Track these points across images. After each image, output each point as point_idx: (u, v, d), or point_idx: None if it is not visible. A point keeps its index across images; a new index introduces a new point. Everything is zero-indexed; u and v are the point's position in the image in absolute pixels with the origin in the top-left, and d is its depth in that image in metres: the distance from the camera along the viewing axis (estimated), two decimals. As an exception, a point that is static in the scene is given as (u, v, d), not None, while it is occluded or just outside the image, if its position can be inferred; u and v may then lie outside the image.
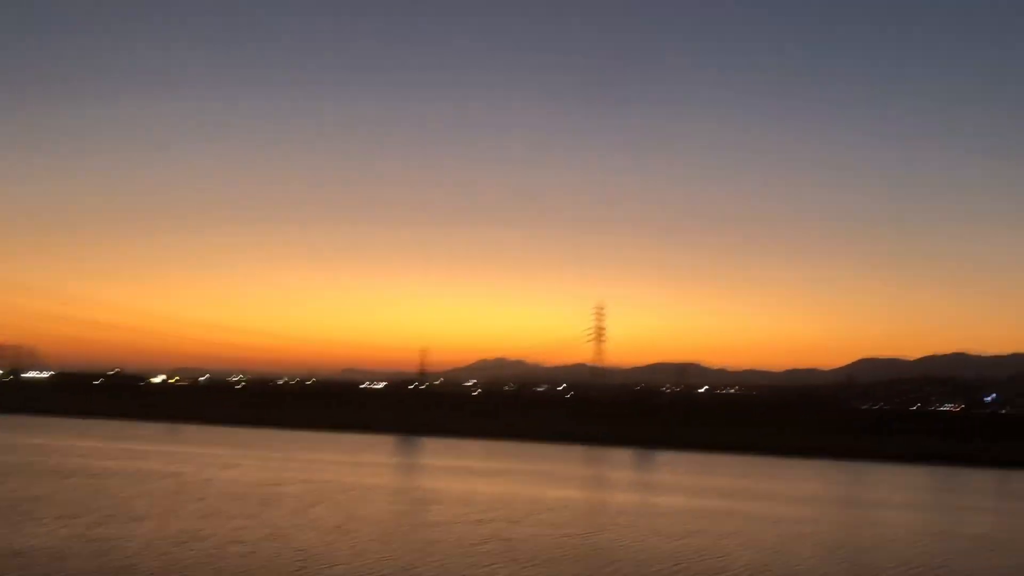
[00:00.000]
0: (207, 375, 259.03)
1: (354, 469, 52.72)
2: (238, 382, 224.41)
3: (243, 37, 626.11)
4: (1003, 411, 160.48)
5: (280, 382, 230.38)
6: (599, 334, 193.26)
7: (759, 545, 28.43)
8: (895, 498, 49.82)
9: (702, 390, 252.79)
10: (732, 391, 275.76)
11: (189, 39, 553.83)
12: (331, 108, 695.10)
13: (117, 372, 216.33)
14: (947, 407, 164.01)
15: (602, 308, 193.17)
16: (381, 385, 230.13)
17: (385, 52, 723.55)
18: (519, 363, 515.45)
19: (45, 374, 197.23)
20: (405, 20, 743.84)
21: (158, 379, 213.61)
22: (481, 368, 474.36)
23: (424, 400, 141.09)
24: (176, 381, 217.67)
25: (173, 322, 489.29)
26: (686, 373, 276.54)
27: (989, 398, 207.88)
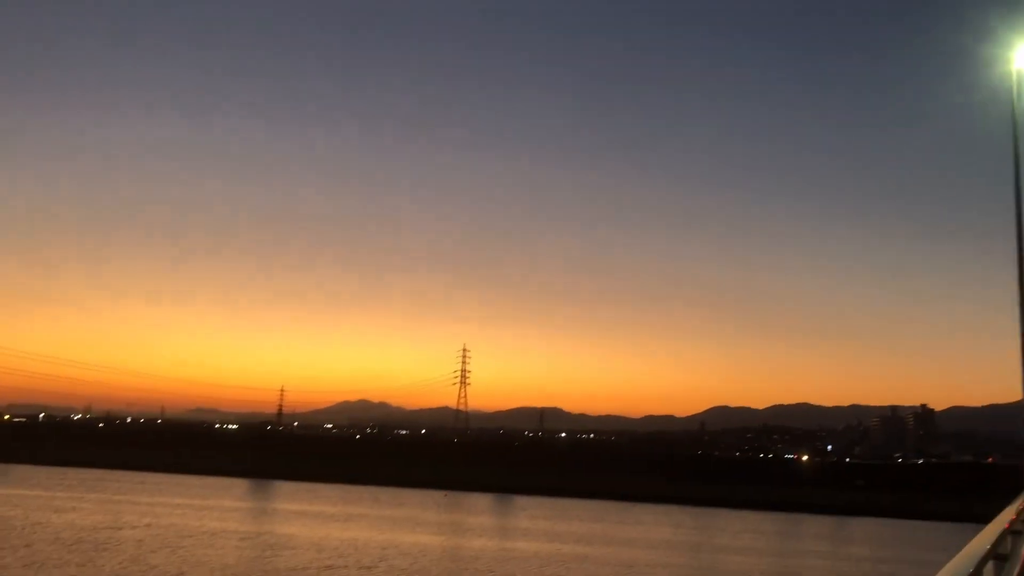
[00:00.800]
0: (43, 412, 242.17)
1: (201, 513, 50.57)
2: (81, 420, 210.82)
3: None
4: (847, 460, 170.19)
5: (127, 420, 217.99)
6: (463, 377, 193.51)
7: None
8: (741, 543, 51.81)
9: (562, 435, 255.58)
10: (591, 436, 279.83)
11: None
12: (184, 139, 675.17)
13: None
14: (790, 456, 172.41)
15: (467, 351, 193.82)
16: (234, 427, 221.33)
17: (214, 83, 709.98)
18: (382, 405, 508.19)
19: None
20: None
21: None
22: (342, 410, 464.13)
23: (280, 443, 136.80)
24: (8, 419, 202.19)
25: (5, 353, 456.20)
26: (547, 418, 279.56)
27: (829, 447, 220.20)
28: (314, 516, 53.15)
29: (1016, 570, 6.81)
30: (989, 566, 6.38)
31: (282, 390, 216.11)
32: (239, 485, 78.68)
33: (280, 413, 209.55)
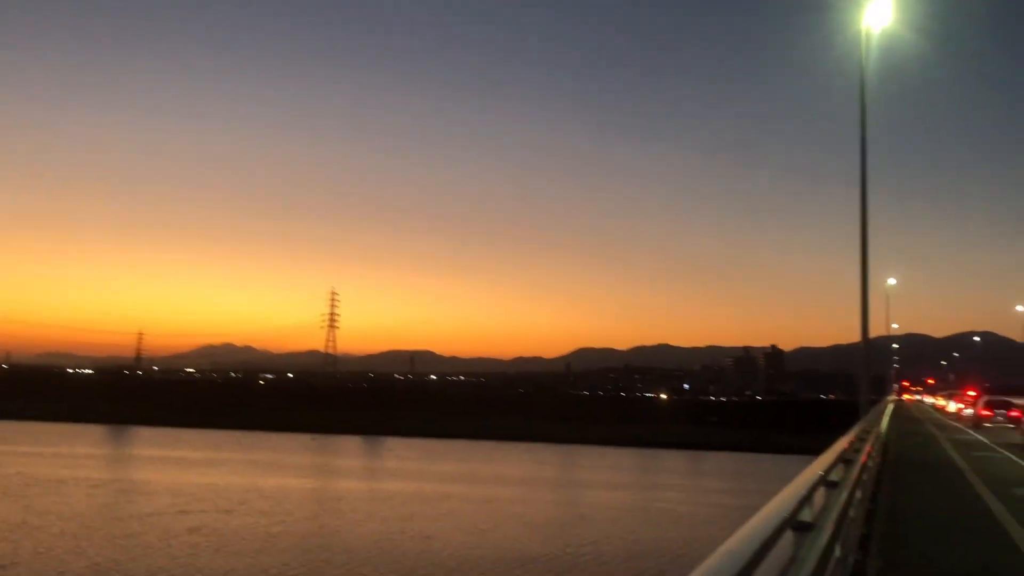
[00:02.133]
0: None
1: (50, 461, 48.10)
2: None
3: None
4: (702, 397, 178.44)
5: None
6: (332, 321, 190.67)
7: (470, 526, 29.61)
8: (600, 478, 53.65)
9: (432, 378, 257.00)
10: (461, 379, 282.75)
11: None
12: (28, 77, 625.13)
13: None
14: (650, 394, 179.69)
15: (336, 294, 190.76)
16: (89, 371, 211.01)
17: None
18: (247, 349, 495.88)
19: None
20: None
21: None
22: (205, 354, 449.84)
23: (138, 387, 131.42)
24: None
25: None
26: (418, 361, 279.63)
27: (686, 386, 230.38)
28: (173, 462, 51.50)
29: (845, 495, 7.16)
30: (820, 491, 6.65)
31: (140, 334, 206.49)
32: (93, 432, 75.25)
33: (139, 357, 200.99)
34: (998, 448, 28.63)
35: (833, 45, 27.28)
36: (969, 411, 50.10)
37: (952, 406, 69.29)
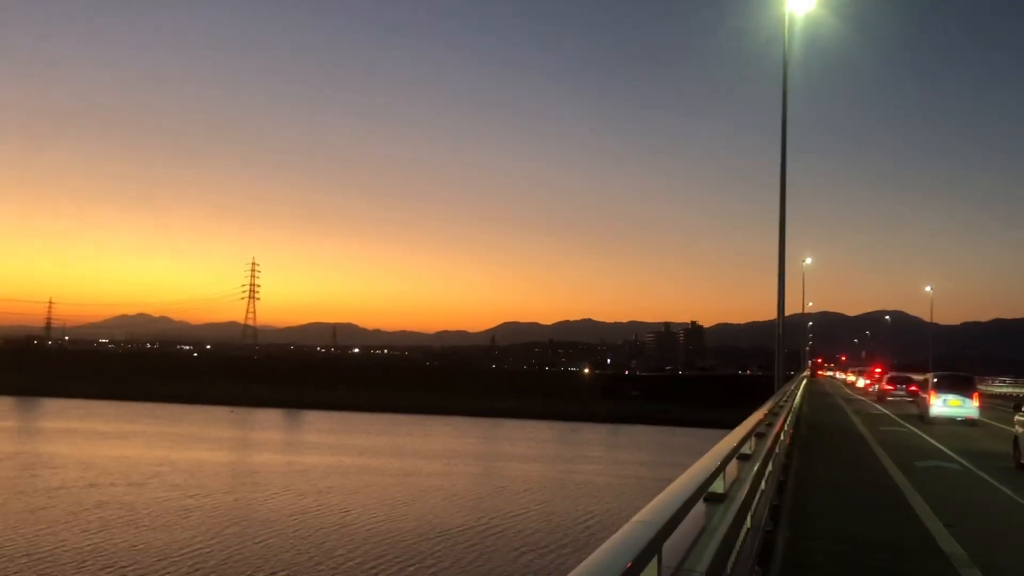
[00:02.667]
0: None
1: (-51, 434, 46.10)
2: None
3: None
4: (624, 372, 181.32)
5: None
6: (252, 292, 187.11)
7: (388, 499, 29.49)
8: (521, 451, 54.03)
9: (355, 351, 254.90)
10: (385, 352, 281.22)
11: None
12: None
13: None
14: (573, 368, 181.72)
15: (256, 265, 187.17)
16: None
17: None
18: (163, 320, 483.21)
19: None
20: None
21: None
22: (119, 324, 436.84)
23: (48, 357, 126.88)
24: None
25: None
26: (340, 334, 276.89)
27: (609, 360, 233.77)
28: (83, 434, 49.89)
29: (756, 467, 7.27)
30: (733, 463, 6.73)
31: (50, 302, 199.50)
32: (-2, 403, 72.39)
33: (48, 327, 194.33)
34: (899, 420, 31.44)
35: (757, 28, 27.67)
36: (875, 386, 54.35)
37: (861, 382, 73.39)
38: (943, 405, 30.82)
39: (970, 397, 31.12)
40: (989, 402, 36.26)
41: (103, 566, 19.29)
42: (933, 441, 22.79)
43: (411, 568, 20.04)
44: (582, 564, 2.41)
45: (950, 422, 30.04)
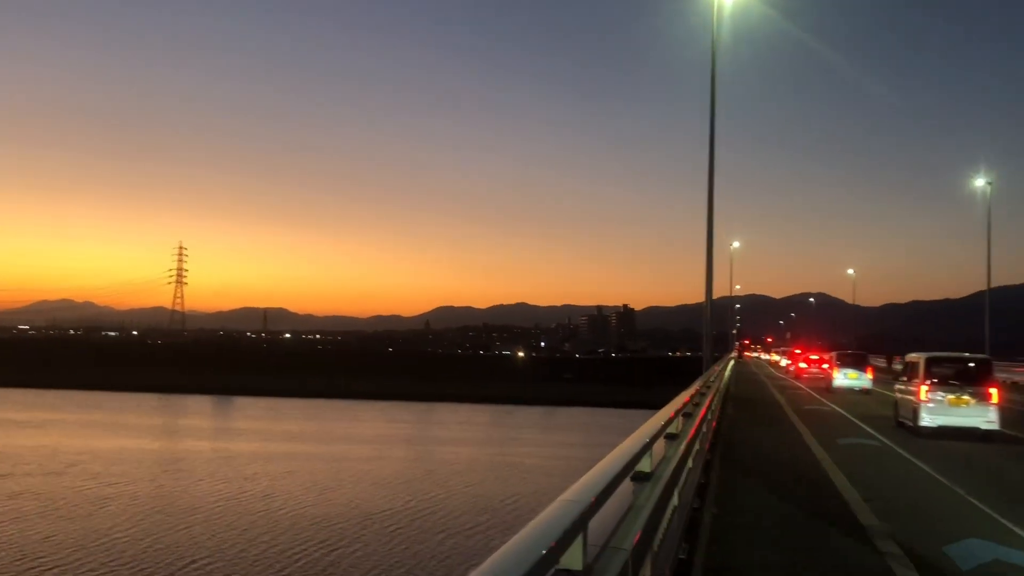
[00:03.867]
0: None
1: None
2: None
3: None
4: (558, 355, 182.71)
5: None
6: (179, 276, 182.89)
7: (314, 484, 29.18)
8: (454, 434, 53.99)
9: (287, 336, 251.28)
10: (317, 337, 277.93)
11: None
12: None
13: None
14: (507, 352, 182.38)
15: (184, 249, 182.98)
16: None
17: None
18: (88, 305, 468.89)
19: None
20: None
21: None
22: (40, 311, 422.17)
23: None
24: None
25: None
26: (271, 319, 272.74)
27: (543, 343, 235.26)
28: (-1, 424, 48.13)
29: (683, 446, 7.36)
30: (661, 442, 6.80)
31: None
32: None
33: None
34: (812, 392, 36.35)
35: (686, 15, 27.95)
36: (800, 365, 59.12)
37: (784, 361, 76.80)
38: (843, 378, 37.71)
39: (864, 371, 37.82)
40: (889, 376, 40.12)
41: (15, 558, 18.65)
42: (837, 408, 27.26)
43: (334, 552, 19.89)
44: (508, 543, 2.41)
45: (849, 391, 36.28)
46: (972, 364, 20.53)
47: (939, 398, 19.19)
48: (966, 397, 19.15)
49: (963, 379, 19.69)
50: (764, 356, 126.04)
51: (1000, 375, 24.02)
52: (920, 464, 14.58)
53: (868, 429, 20.64)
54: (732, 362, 56.83)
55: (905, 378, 21.56)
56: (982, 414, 18.92)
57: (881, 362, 56.03)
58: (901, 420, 21.05)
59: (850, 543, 8.24)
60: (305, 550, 20.00)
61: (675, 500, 6.82)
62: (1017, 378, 40.79)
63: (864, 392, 36.25)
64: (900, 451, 16.39)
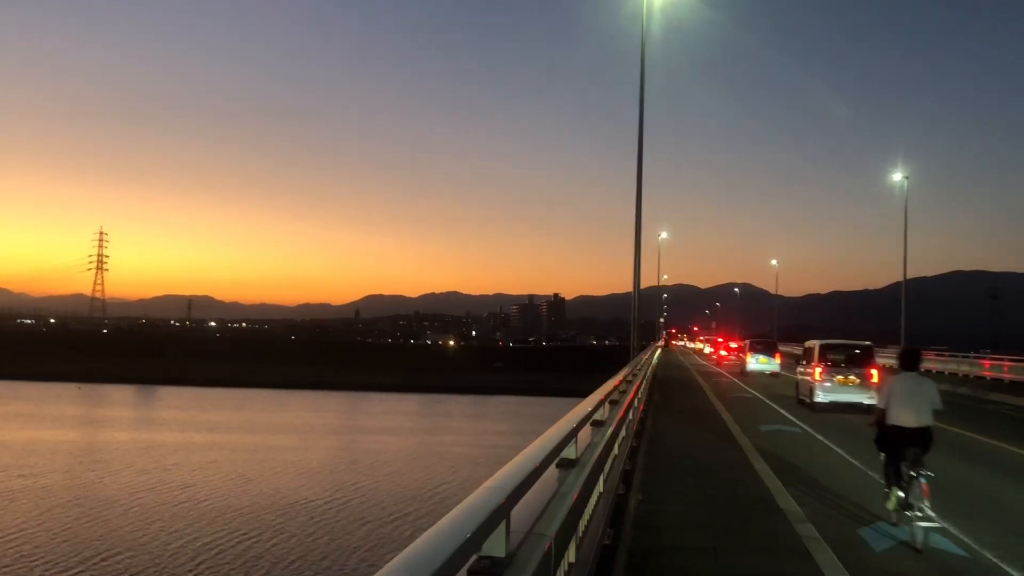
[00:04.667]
0: None
1: None
2: None
3: None
4: (489, 343, 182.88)
5: None
6: (100, 263, 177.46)
7: (236, 475, 28.72)
8: (384, 424, 53.57)
9: (212, 324, 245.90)
10: (243, 325, 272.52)
11: None
12: None
13: None
14: (439, 341, 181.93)
15: (104, 234, 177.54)
16: None
17: None
18: (3, 292, 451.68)
19: None
20: None
21: None
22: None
23: None
24: None
25: None
26: (196, 306, 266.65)
27: (474, 332, 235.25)
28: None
29: (609, 431, 7.44)
30: (587, 429, 6.87)
31: None
32: None
33: None
34: (729, 375, 40.70)
35: (617, 8, 28.13)
36: (721, 352, 66.15)
37: (707, 349, 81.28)
38: (755, 363, 41.94)
39: (773, 357, 42.41)
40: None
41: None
42: (751, 389, 30.68)
43: (256, 544, 19.63)
44: (429, 531, 2.40)
45: (760, 374, 40.50)
46: (857, 350, 23.63)
47: (830, 378, 22.61)
48: (852, 377, 22.65)
49: (850, 363, 23.01)
50: (691, 344, 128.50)
51: (881, 360, 26.85)
52: (835, 448, 15.08)
53: (781, 411, 22.60)
54: (659, 350, 57.81)
55: (804, 362, 24.69)
56: (865, 392, 21.99)
57: (798, 349, 59.16)
58: (801, 398, 24.21)
59: (770, 526, 8.46)
60: (226, 541, 19.69)
61: (600, 486, 6.90)
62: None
63: (773, 375, 40.19)
64: (818, 436, 16.88)
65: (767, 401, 25.60)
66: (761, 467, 12.39)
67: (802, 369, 24.98)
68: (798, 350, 47.69)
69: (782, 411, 22.43)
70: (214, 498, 24.37)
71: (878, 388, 9.71)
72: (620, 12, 27.95)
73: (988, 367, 34.72)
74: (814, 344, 23.94)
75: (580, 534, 5.25)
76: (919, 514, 8.00)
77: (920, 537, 7.92)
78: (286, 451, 36.14)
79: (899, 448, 8.70)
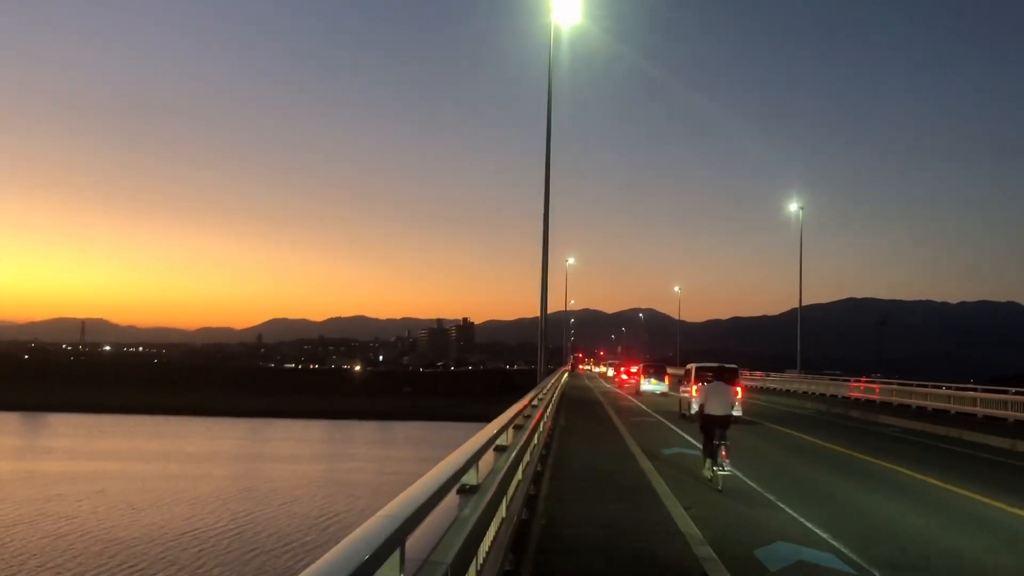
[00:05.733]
0: None
1: None
2: None
3: None
4: (397, 368, 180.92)
5: None
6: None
7: (123, 505, 27.61)
8: (285, 451, 52.19)
9: (107, 348, 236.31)
10: (140, 349, 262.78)
11: None
12: None
13: None
14: (345, 366, 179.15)
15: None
16: None
17: None
18: None
19: None
20: None
21: None
22: None
23: None
24: None
25: None
26: (89, 330, 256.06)
27: (381, 357, 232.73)
28: None
29: (512, 456, 7.43)
30: (490, 454, 6.84)
31: None
32: None
33: None
34: (628, 396, 45.17)
35: (526, 33, 28.55)
36: (622, 376, 70.50)
37: (611, 372, 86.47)
38: (648, 384, 48.95)
39: (663, 379, 49.21)
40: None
41: None
42: (642, 405, 35.97)
43: (137, 575, 18.90)
44: (319, 560, 2.34)
45: (652, 394, 46.54)
46: (726, 372, 26.17)
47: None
48: None
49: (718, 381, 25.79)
50: (596, 368, 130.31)
51: (744, 381, 35.93)
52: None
53: (672, 427, 25.03)
54: (566, 374, 58.44)
55: (684, 382, 29.79)
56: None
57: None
58: (683, 413, 28.27)
59: (670, 549, 8.57)
60: (108, 574, 18.85)
61: (503, 512, 6.87)
62: (753, 383, 57.88)
63: (663, 395, 45.70)
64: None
65: (661, 419, 28.15)
66: (663, 490, 12.60)
67: (683, 388, 29.83)
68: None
69: (673, 427, 25.01)
70: (100, 530, 23.32)
71: (701, 394, 14.43)
72: (529, 41, 28.38)
73: (854, 388, 42.39)
74: (691, 367, 28.54)
75: (481, 561, 5.20)
76: (720, 468, 13.33)
77: (720, 483, 13.20)
78: (179, 480, 34.87)
79: (711, 428, 13.82)
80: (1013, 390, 29.16)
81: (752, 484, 13.87)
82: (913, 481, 15.27)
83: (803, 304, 56.04)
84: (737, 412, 25.41)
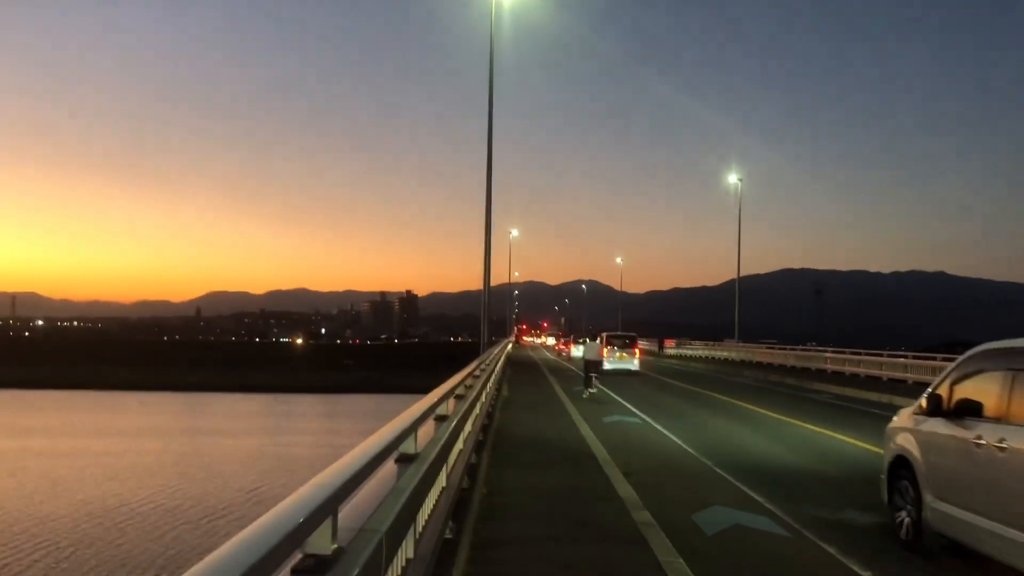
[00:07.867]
0: None
1: None
2: None
3: None
4: (339, 341, 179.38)
5: None
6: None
7: (47, 480, 27.02)
8: (224, 426, 51.27)
9: (39, 323, 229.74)
10: (75, 324, 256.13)
11: None
12: None
13: None
14: (286, 339, 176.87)
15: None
16: None
17: None
18: None
19: None
20: None
21: None
22: None
23: None
24: None
25: None
26: (20, 304, 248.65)
27: (323, 330, 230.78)
28: None
29: (452, 425, 7.42)
30: (431, 424, 6.82)
31: None
32: None
33: None
34: (566, 364, 49.11)
35: (466, 7, 28.26)
36: (561, 345, 79.62)
37: (551, 342, 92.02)
38: (577, 350, 54.77)
39: (633, 354, 53.78)
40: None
41: None
42: (572, 368, 42.19)
43: (54, 551, 18.51)
44: (247, 529, 2.32)
45: (580, 359, 54.59)
46: (627, 338, 41.73)
47: (612, 355, 38.96)
48: (624, 354, 40.13)
49: (624, 345, 40.73)
50: (539, 340, 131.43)
51: (642, 344, 50.85)
52: (671, 437, 15.77)
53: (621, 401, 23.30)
54: (510, 346, 58.74)
55: (575, 341, 40.62)
56: (632, 362, 40.27)
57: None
58: (568, 358, 38.90)
59: (609, 514, 8.68)
60: (22, 550, 18.44)
61: (443, 481, 6.86)
62: (648, 345, 70.75)
63: (633, 374, 52.70)
64: (656, 426, 17.60)
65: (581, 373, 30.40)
66: (603, 456, 12.74)
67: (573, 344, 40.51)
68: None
69: (608, 392, 26.88)
70: (16, 506, 22.77)
71: (582, 348, 26.07)
72: (470, 10, 28.11)
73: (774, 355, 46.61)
74: (603, 335, 38.17)
75: (420, 529, 5.19)
76: (592, 389, 24.27)
77: (588, 395, 23.75)
78: (107, 455, 34.09)
79: (590, 370, 24.72)
80: (940, 356, 30.25)
81: (633, 408, 20.70)
82: (765, 417, 20.40)
83: (741, 275, 56.99)
84: (635, 367, 39.98)
